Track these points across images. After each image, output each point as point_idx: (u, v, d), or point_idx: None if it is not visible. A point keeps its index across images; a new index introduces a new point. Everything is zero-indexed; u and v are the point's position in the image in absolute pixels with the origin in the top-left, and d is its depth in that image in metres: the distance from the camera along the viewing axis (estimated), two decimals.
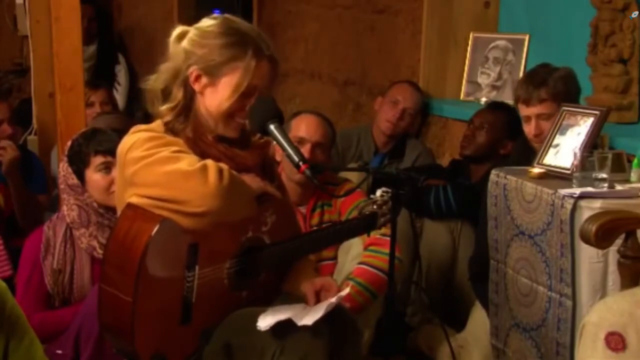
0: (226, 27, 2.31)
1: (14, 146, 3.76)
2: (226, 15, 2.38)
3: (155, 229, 2.15)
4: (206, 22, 2.35)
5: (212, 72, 2.29)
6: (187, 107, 2.33)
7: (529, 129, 3.13)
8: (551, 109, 3.07)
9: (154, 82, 2.35)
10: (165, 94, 2.34)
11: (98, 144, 2.84)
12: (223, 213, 2.20)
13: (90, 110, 4.26)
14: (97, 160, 2.83)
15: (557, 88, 3.08)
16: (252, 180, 2.33)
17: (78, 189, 2.84)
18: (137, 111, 5.42)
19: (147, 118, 2.47)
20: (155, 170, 2.18)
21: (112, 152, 2.68)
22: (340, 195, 3.11)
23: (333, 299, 2.32)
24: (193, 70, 2.30)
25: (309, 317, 2.23)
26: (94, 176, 2.83)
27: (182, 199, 2.16)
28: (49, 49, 3.66)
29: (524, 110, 3.15)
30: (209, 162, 2.20)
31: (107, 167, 2.81)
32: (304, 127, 3.25)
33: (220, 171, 2.19)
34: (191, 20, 2.42)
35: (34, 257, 2.83)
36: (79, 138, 2.91)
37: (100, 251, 2.74)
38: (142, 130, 2.30)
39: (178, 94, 2.32)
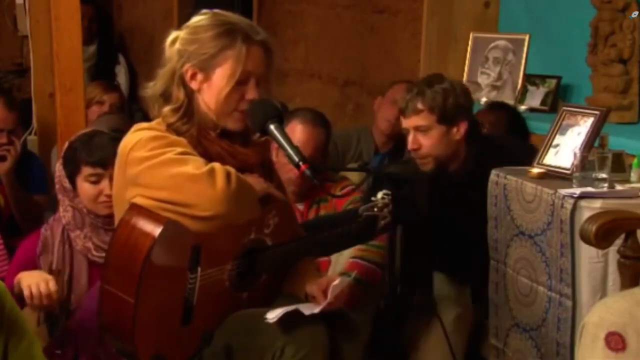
0: (214, 19, 2.31)
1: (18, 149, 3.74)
2: (215, 10, 2.36)
3: (160, 230, 2.14)
4: (195, 19, 2.34)
5: (206, 66, 2.28)
6: (190, 108, 2.31)
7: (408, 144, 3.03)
8: (428, 121, 2.96)
9: (153, 87, 2.35)
10: (166, 97, 2.33)
11: (90, 154, 2.78)
12: (231, 217, 2.20)
13: (99, 108, 4.26)
14: (87, 171, 2.78)
15: (435, 100, 2.94)
16: (256, 182, 2.32)
17: (70, 193, 2.82)
18: (137, 111, 5.41)
19: (147, 119, 2.46)
20: (162, 173, 2.16)
21: (102, 164, 2.69)
22: (338, 195, 3.11)
23: (336, 281, 2.34)
24: (188, 69, 2.29)
25: (315, 305, 2.26)
26: (83, 185, 2.79)
27: (190, 203, 2.15)
28: (49, 49, 3.66)
29: (402, 122, 3.06)
30: (217, 166, 2.19)
31: (97, 179, 2.77)
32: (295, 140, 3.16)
33: (228, 175, 2.17)
34: (190, 20, 2.41)
35: (30, 255, 2.80)
36: (76, 141, 2.88)
37: (95, 253, 2.73)
38: (144, 129, 2.29)
39: (179, 94, 2.31)
